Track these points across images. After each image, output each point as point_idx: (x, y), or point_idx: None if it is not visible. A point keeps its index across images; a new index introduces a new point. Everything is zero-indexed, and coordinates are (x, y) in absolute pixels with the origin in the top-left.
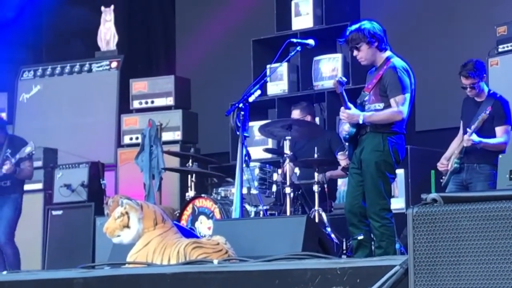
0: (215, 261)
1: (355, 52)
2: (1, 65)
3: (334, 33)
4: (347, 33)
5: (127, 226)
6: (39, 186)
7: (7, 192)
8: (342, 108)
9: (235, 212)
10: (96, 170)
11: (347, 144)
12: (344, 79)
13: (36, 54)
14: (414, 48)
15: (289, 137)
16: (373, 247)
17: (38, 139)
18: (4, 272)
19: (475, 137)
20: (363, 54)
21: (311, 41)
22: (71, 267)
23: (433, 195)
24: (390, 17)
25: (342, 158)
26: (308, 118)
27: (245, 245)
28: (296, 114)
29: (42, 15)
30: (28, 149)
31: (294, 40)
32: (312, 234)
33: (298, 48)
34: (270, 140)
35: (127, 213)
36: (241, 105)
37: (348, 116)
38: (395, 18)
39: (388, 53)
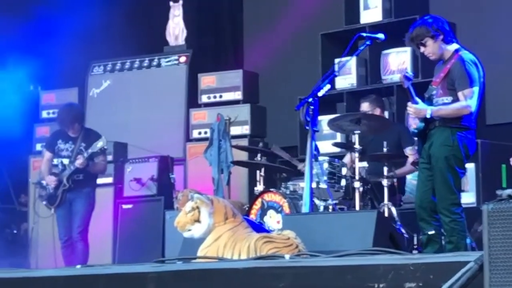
0: (287, 256)
1: (422, 49)
2: (72, 61)
3: (403, 27)
4: (410, 31)
5: (198, 221)
6: (110, 180)
7: (79, 186)
8: (409, 103)
9: (305, 207)
10: (165, 164)
11: (416, 138)
12: (411, 73)
13: (106, 49)
14: (483, 40)
15: (358, 131)
16: (443, 242)
17: (108, 134)
18: (78, 266)
19: None
20: (430, 49)
21: (381, 35)
22: (141, 261)
23: (509, 191)
24: (459, 8)
25: (411, 153)
26: (377, 111)
27: (314, 240)
28: (365, 106)
29: (111, 10)
30: (100, 144)
31: (364, 34)
32: (383, 229)
33: (368, 42)
34: (338, 134)
35: (198, 207)
36: (310, 99)
37: (415, 111)
38: (464, 10)
39: (455, 46)
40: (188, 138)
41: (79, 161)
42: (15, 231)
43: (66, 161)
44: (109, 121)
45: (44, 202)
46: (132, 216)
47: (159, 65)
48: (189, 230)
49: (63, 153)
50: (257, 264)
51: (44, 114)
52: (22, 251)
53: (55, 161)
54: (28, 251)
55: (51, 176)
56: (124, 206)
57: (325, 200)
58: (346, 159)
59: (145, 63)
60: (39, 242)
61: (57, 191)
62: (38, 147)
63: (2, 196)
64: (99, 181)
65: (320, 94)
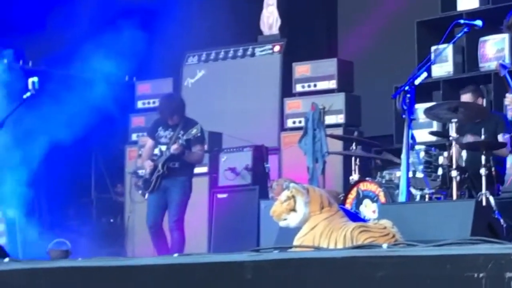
0: (384, 246)
1: None
2: (166, 51)
3: (501, 13)
4: (507, 18)
5: (294, 210)
6: (205, 169)
7: (174, 174)
8: (508, 93)
9: (401, 196)
10: (260, 154)
11: None
12: (507, 62)
13: (200, 39)
14: None
15: (455, 120)
16: None
17: (203, 123)
18: (175, 255)
19: None
20: None
21: (479, 22)
22: (237, 251)
23: None
24: None
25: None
26: (480, 100)
27: (411, 229)
28: (466, 98)
29: (205, 1)
30: (194, 131)
31: (462, 21)
32: (481, 218)
33: (465, 29)
34: (434, 123)
35: (293, 196)
36: (407, 88)
37: None
38: None
39: None
40: (282, 128)
41: (174, 147)
42: (111, 221)
43: (163, 147)
44: (204, 110)
45: (140, 191)
46: (227, 205)
47: (253, 54)
48: (285, 219)
49: (162, 140)
50: (355, 253)
51: (139, 104)
52: (118, 241)
53: (156, 150)
54: (125, 240)
55: (148, 161)
56: (219, 196)
57: (421, 189)
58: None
59: (239, 53)
60: (135, 231)
61: (152, 176)
62: (134, 137)
63: (98, 186)
64: (195, 170)
65: (416, 82)
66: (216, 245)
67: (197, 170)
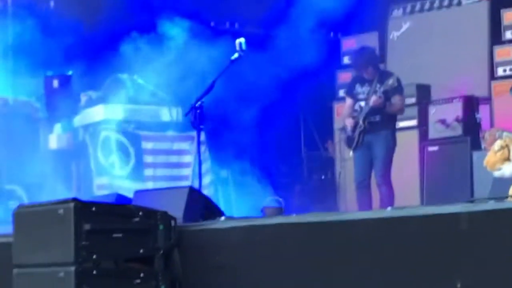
0: None
1: None
2: (371, 5)
3: None
4: None
5: (508, 159)
6: (414, 123)
7: (377, 129)
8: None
9: None
10: (470, 104)
11: None
12: None
13: None
14: None
15: None
16: None
17: (410, 76)
18: (388, 209)
19: None
20: None
21: None
22: (449, 203)
23: None
24: None
25: None
26: None
27: None
28: None
29: None
30: (390, 82)
31: None
32: None
33: None
34: None
35: (507, 146)
36: None
37: None
38: None
39: None
40: (492, 76)
41: (373, 99)
42: (322, 177)
43: (362, 103)
44: (411, 63)
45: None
46: (438, 158)
47: (459, 3)
48: (499, 169)
49: (360, 96)
50: None
51: (345, 60)
52: (330, 197)
53: (356, 106)
54: (336, 196)
55: (349, 119)
56: (430, 149)
57: None
58: None
59: (445, 3)
60: (346, 187)
61: (354, 133)
62: (341, 93)
63: (308, 143)
64: (403, 124)
65: None
66: (429, 198)
67: (406, 123)
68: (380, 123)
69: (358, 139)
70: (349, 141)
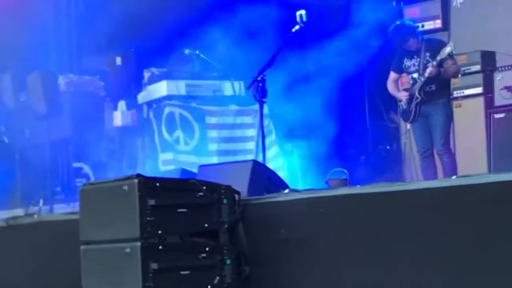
0: None
1: None
2: None
3: None
4: None
5: None
6: (479, 90)
7: (434, 98)
8: None
9: None
10: None
11: None
12: None
13: None
14: None
15: None
16: None
17: (475, 43)
18: (454, 177)
19: None
20: None
21: None
22: None
23: None
24: None
25: None
26: None
27: None
28: None
29: None
30: (448, 49)
31: None
32: None
33: None
34: None
35: None
36: None
37: None
38: None
39: None
40: None
41: (429, 69)
42: (388, 148)
43: (415, 75)
44: (475, 30)
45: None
46: (504, 125)
47: None
48: None
49: (411, 69)
50: None
51: None
52: (396, 167)
53: (408, 78)
54: (402, 166)
55: (402, 92)
56: (496, 116)
57: None
58: None
59: None
60: (412, 157)
61: (410, 105)
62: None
63: (372, 114)
64: (469, 91)
65: None
66: (496, 165)
67: (471, 91)
68: (436, 92)
69: (416, 110)
70: (404, 115)
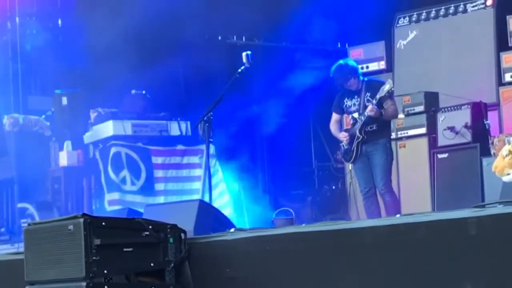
0: None
1: None
2: (377, 14)
3: None
4: None
5: None
6: (423, 130)
7: (375, 138)
8: None
9: None
10: (479, 111)
11: None
12: None
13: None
14: None
15: None
16: None
17: (418, 84)
18: (397, 216)
19: None
20: None
21: None
22: (461, 208)
23: None
24: None
25: None
26: None
27: None
28: None
29: None
30: (387, 87)
31: None
32: None
33: None
34: None
35: None
36: None
37: None
38: None
39: None
40: (500, 82)
41: (369, 108)
42: (333, 188)
43: (356, 115)
44: (418, 71)
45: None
46: (448, 164)
47: (465, 10)
48: (508, 174)
49: (351, 109)
50: None
51: None
52: (342, 207)
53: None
54: (348, 206)
55: (342, 132)
56: (440, 156)
57: None
58: None
59: (451, 10)
60: (357, 197)
61: (352, 145)
62: None
63: (318, 155)
64: (413, 132)
65: None
66: (440, 204)
67: (415, 131)
68: (377, 132)
69: (357, 150)
70: (346, 155)
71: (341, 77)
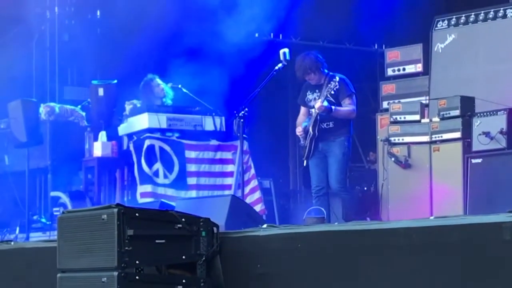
0: None
1: None
2: (415, 17)
3: None
4: None
5: None
6: (458, 134)
7: (331, 136)
8: None
9: None
10: None
11: None
12: None
13: (450, 2)
14: None
15: None
16: None
17: (454, 88)
18: (431, 218)
19: None
20: None
21: None
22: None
23: None
24: None
25: None
26: None
27: None
28: None
29: None
30: (332, 84)
31: None
32: None
33: None
34: None
35: None
36: None
37: None
38: None
39: None
40: None
41: (317, 105)
42: (365, 189)
43: (313, 110)
44: (455, 75)
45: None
46: (482, 170)
47: (504, 16)
48: None
49: (311, 103)
50: None
51: (389, 72)
52: (373, 208)
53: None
54: (379, 207)
55: (298, 127)
56: (474, 161)
57: None
58: None
59: (490, 15)
60: (389, 198)
61: (305, 141)
62: (385, 104)
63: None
64: (447, 136)
65: None
66: (472, 210)
67: (450, 135)
68: (333, 129)
69: (310, 147)
70: (301, 151)
71: (300, 69)
